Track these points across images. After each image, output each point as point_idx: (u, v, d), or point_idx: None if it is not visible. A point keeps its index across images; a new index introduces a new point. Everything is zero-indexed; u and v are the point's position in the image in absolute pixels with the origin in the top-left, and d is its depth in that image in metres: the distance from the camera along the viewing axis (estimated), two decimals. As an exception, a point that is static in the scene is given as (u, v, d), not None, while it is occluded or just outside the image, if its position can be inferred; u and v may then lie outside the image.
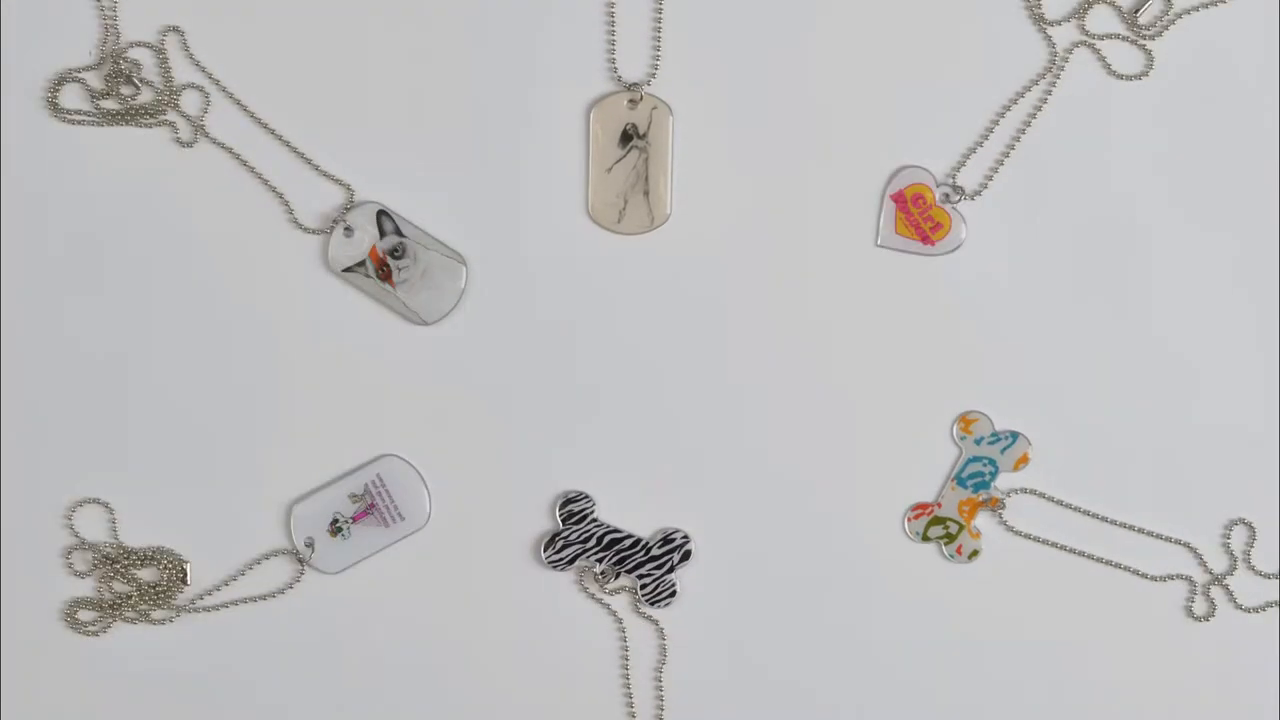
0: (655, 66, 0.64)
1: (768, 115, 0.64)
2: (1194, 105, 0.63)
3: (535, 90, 0.64)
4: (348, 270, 0.64)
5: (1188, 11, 0.63)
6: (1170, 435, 0.64)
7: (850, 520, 0.64)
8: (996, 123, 0.64)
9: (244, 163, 0.64)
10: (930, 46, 0.64)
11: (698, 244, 0.64)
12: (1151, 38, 0.63)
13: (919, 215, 0.64)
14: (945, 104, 0.64)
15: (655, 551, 0.64)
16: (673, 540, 0.64)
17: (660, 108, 0.64)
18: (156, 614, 0.64)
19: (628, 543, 0.64)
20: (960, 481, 0.65)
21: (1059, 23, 0.63)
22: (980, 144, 0.64)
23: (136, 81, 0.63)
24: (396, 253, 0.64)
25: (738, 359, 0.64)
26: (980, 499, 0.65)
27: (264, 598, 0.64)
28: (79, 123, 0.64)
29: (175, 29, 0.64)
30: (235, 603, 0.64)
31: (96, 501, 0.64)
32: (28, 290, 0.64)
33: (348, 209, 0.64)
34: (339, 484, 0.64)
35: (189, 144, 0.64)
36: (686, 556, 0.64)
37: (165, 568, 0.63)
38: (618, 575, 0.64)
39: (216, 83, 0.64)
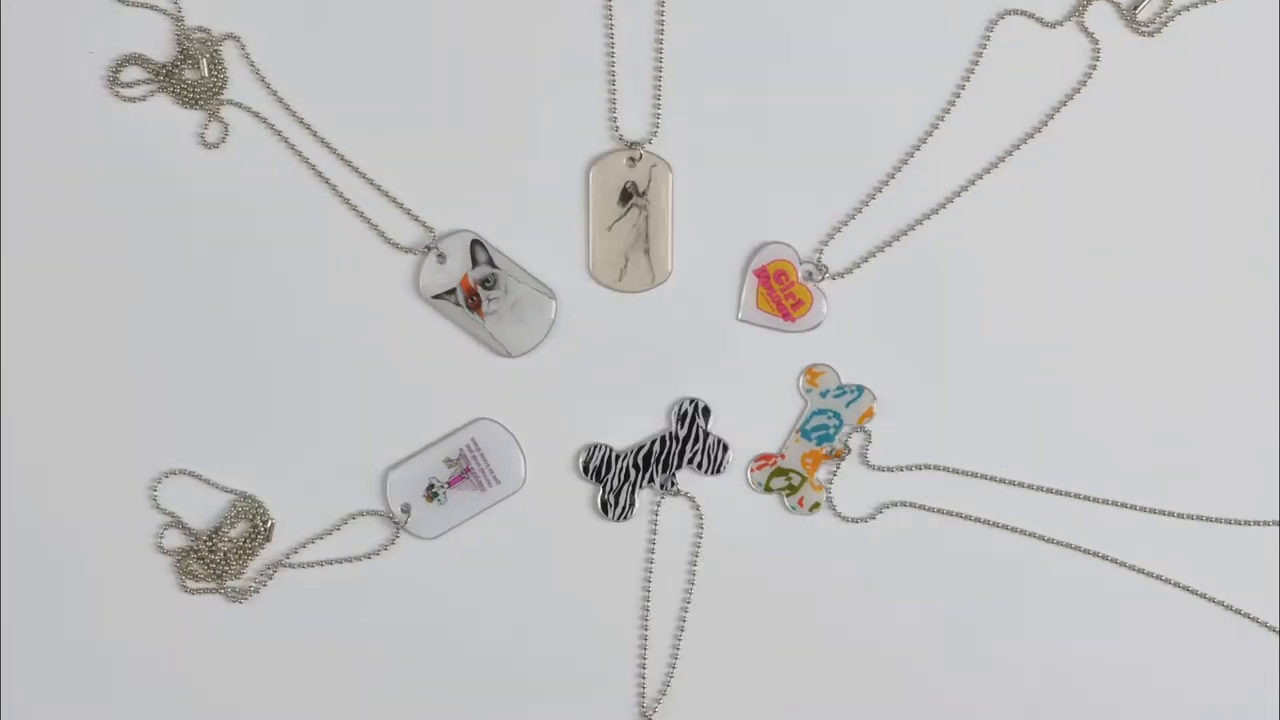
0: (656, 125, 0.64)
1: (767, 171, 0.65)
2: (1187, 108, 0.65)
3: (536, 148, 0.64)
4: (437, 297, 0.64)
5: (1187, 8, 0.64)
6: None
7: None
8: (871, 199, 0.65)
9: (330, 185, 0.64)
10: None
11: (699, 301, 0.65)
12: (1151, 34, 0.64)
13: (781, 292, 0.65)
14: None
15: (682, 433, 0.65)
16: (686, 413, 0.65)
17: (660, 166, 0.64)
18: (248, 575, 0.65)
19: (657, 447, 0.65)
20: (804, 434, 0.65)
21: (1060, 22, 0.64)
22: (849, 220, 0.65)
23: (202, 64, 0.63)
24: (488, 283, 0.64)
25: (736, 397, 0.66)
26: (824, 451, 0.65)
27: (357, 559, 0.65)
28: (134, 100, 0.64)
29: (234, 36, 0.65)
30: (326, 562, 0.65)
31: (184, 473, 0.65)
32: (144, 278, 0.65)
33: (440, 237, 0.64)
34: (434, 449, 0.65)
35: (215, 145, 0.64)
36: (708, 414, 0.65)
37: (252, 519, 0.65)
38: (674, 479, 0.65)
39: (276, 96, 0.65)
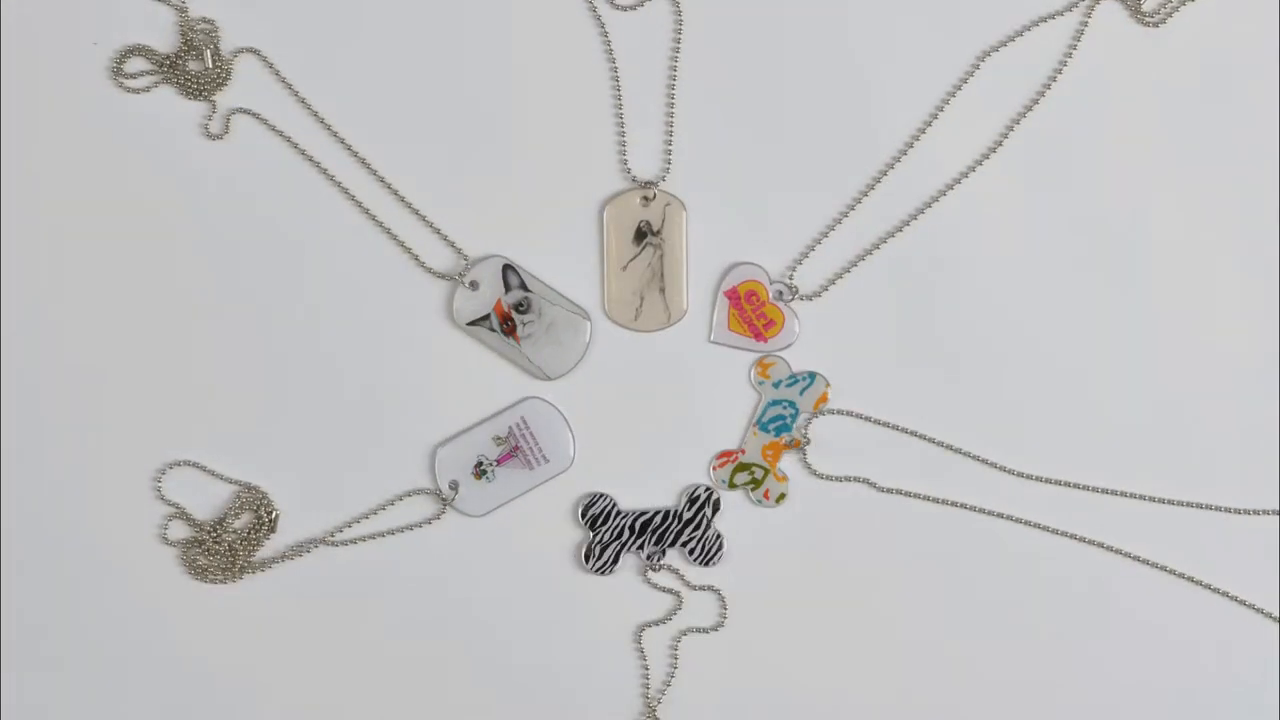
0: (668, 164, 0.65)
1: (779, 208, 0.65)
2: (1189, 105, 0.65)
3: (548, 190, 0.65)
4: (472, 324, 0.64)
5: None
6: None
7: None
8: (840, 219, 0.65)
9: (368, 213, 0.65)
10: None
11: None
12: (1157, 24, 0.64)
13: (752, 312, 0.65)
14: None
15: (687, 515, 0.65)
16: (699, 497, 0.65)
17: (674, 204, 0.64)
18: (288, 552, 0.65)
19: (659, 519, 0.65)
20: (762, 426, 0.65)
21: (1064, 11, 0.65)
22: (821, 240, 0.65)
23: (206, 55, 0.63)
24: (521, 307, 0.64)
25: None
26: (784, 442, 0.65)
27: (398, 531, 0.65)
28: (138, 91, 0.64)
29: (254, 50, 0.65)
30: (372, 536, 0.66)
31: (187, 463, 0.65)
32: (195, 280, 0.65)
33: (472, 263, 0.64)
34: (483, 426, 0.65)
35: (218, 136, 0.64)
36: (717, 507, 0.65)
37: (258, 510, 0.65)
38: (664, 554, 0.65)
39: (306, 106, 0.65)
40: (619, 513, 0.65)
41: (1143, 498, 0.66)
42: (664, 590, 0.66)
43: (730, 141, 0.65)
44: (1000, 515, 0.66)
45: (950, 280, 0.66)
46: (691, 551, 0.65)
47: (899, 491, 0.66)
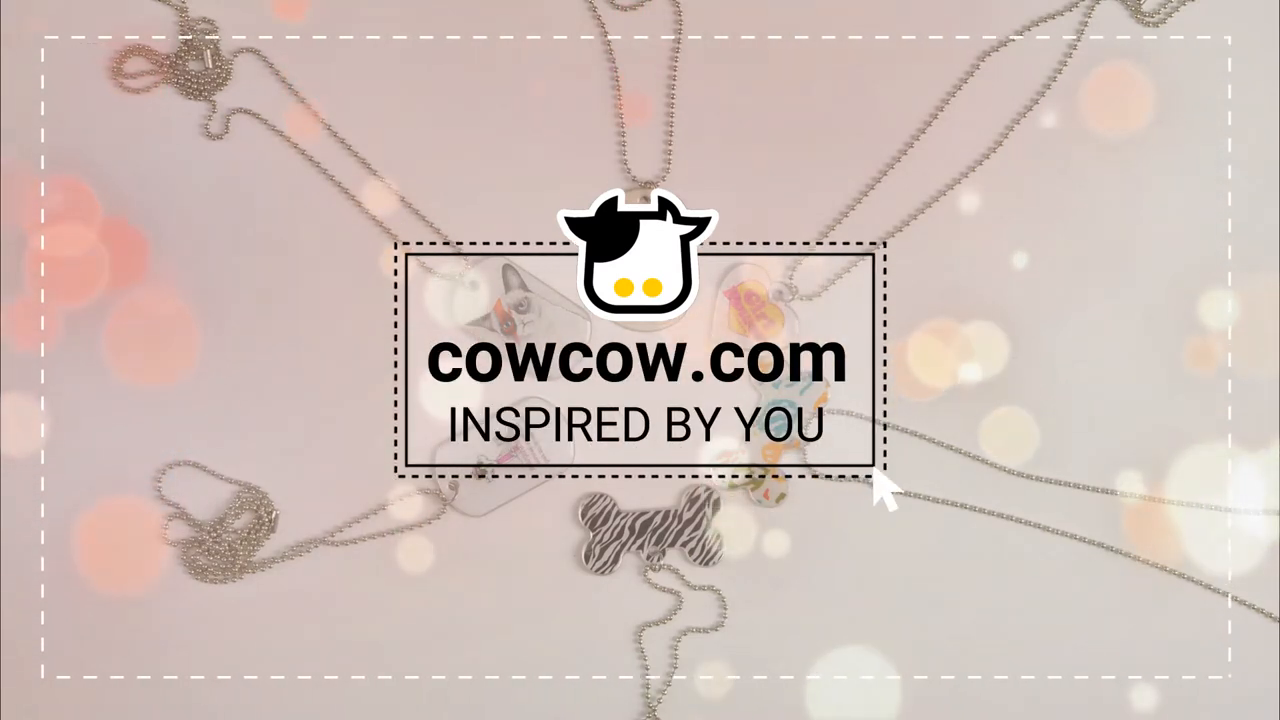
0: (668, 164, 0.65)
1: (779, 208, 0.66)
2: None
3: (548, 189, 0.65)
4: (472, 324, 0.65)
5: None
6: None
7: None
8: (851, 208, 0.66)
9: (357, 202, 0.65)
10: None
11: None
12: (1157, 24, 0.65)
13: (752, 312, 0.65)
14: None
15: (687, 515, 0.65)
16: (698, 498, 0.65)
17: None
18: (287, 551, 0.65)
19: (659, 519, 0.65)
20: (762, 426, 0.65)
21: (1064, 11, 0.65)
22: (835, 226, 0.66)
23: (206, 56, 0.63)
24: (521, 307, 0.64)
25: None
26: (784, 442, 0.65)
27: (396, 531, 0.66)
28: (138, 91, 0.64)
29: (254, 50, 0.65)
30: (372, 536, 0.66)
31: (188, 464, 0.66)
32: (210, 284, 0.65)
33: (471, 264, 0.65)
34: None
35: (218, 136, 0.65)
36: (717, 506, 0.66)
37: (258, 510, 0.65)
38: (664, 554, 0.65)
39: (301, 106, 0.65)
40: (619, 513, 0.65)
41: (1142, 498, 0.65)
42: (664, 590, 0.66)
43: (730, 141, 0.65)
44: (1001, 515, 0.66)
45: (950, 280, 0.65)
46: (691, 551, 0.65)
47: (898, 492, 0.66)
